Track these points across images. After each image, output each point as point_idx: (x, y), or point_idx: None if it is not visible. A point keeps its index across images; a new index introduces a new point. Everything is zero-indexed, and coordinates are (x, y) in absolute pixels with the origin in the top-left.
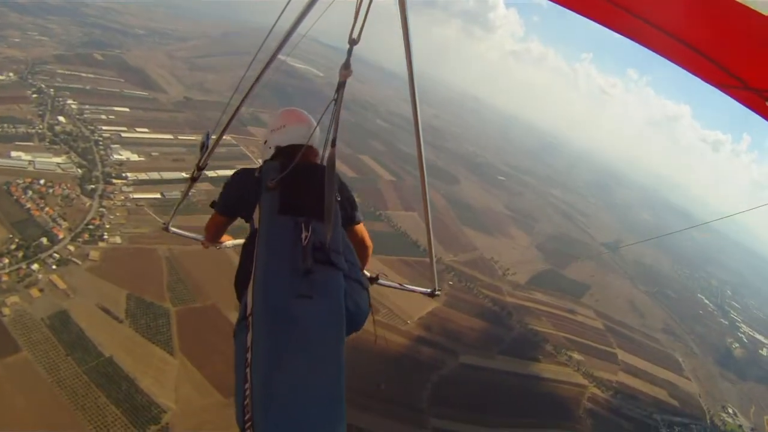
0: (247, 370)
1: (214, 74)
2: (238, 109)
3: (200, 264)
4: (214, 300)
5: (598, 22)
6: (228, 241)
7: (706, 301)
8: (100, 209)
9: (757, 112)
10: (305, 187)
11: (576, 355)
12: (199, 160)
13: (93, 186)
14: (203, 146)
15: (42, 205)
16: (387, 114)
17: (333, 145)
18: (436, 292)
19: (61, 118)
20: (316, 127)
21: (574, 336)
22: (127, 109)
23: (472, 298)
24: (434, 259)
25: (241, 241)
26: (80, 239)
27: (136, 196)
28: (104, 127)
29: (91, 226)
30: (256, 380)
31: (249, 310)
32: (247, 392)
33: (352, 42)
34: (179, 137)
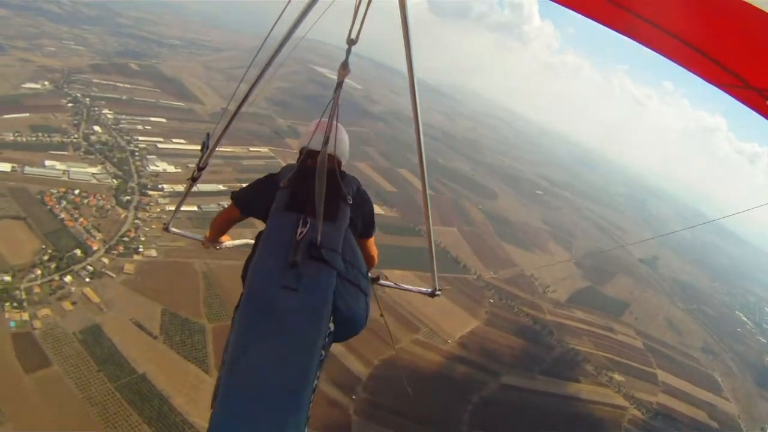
0: (224, 354)
1: (249, 85)
2: (238, 109)
3: (238, 279)
4: None
5: (599, 22)
6: (228, 242)
7: (744, 318)
8: (136, 221)
9: (758, 111)
10: (314, 188)
11: (616, 376)
12: (200, 161)
13: (128, 197)
14: (204, 147)
15: (76, 216)
16: (424, 126)
17: (326, 143)
18: (437, 292)
19: (96, 128)
20: (313, 132)
21: (614, 356)
22: (163, 120)
23: (512, 317)
24: (434, 260)
25: (240, 241)
26: (115, 251)
27: (172, 208)
28: (140, 138)
29: (126, 239)
30: (225, 362)
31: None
32: (221, 373)
33: (351, 42)
34: (217, 149)
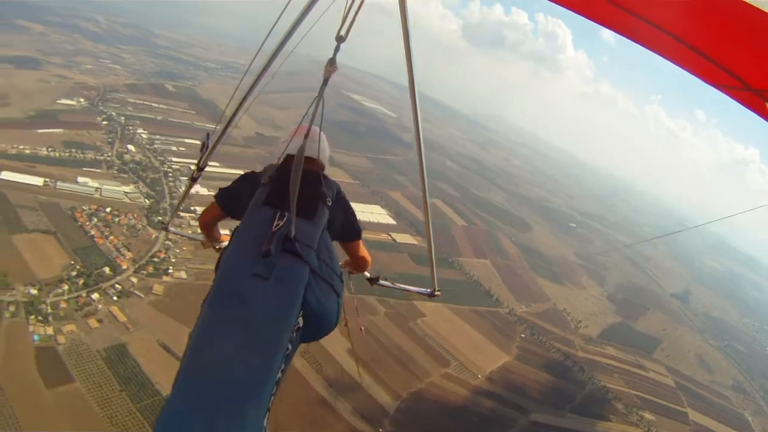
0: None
1: (284, 111)
2: (238, 109)
3: None
4: None
5: (599, 23)
6: (226, 242)
7: None
8: (166, 242)
9: (757, 113)
10: (297, 185)
11: (647, 415)
12: (199, 161)
13: (160, 218)
14: (203, 146)
15: (107, 234)
16: (456, 155)
17: (306, 137)
18: (436, 293)
19: (130, 147)
20: (292, 136)
21: (645, 394)
22: (197, 142)
23: (544, 352)
24: (434, 261)
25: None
26: (144, 271)
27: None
28: (174, 159)
29: (156, 259)
30: (187, 349)
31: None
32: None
33: (340, 39)
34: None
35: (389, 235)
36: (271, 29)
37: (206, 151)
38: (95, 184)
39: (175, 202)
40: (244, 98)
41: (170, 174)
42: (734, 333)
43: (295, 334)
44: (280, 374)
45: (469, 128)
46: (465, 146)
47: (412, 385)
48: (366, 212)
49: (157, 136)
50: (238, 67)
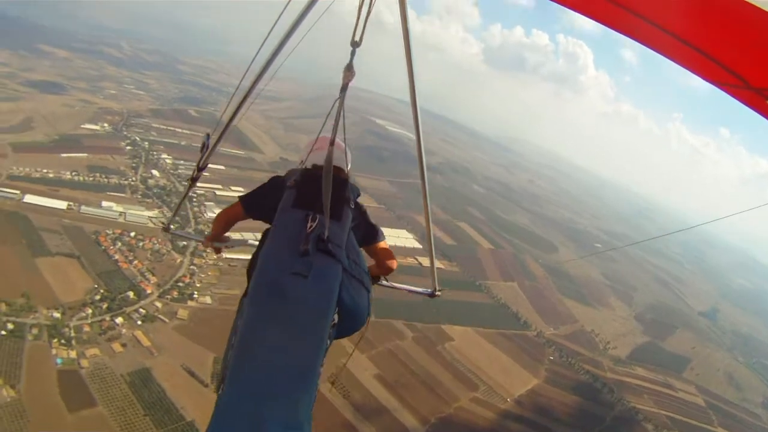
0: (233, 337)
1: (309, 136)
2: (238, 110)
3: None
4: None
5: (599, 22)
6: (227, 242)
7: None
8: (191, 267)
9: (758, 112)
10: (321, 188)
11: None
12: (199, 161)
13: (185, 242)
14: (203, 147)
15: (131, 258)
16: (482, 179)
17: (332, 144)
18: (437, 293)
19: (154, 172)
20: (312, 147)
21: (675, 414)
22: (222, 167)
23: (572, 374)
24: (434, 261)
25: (241, 240)
26: (168, 296)
27: (229, 255)
28: (198, 184)
29: (180, 284)
30: (236, 345)
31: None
32: (229, 356)
33: (355, 44)
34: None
35: (416, 258)
36: (271, 29)
37: (206, 151)
38: (119, 209)
39: (201, 227)
40: (245, 98)
41: (194, 198)
42: (764, 350)
43: (331, 330)
44: (320, 368)
45: (494, 151)
46: (490, 169)
47: (441, 410)
48: (392, 236)
49: (181, 161)
50: (261, 94)
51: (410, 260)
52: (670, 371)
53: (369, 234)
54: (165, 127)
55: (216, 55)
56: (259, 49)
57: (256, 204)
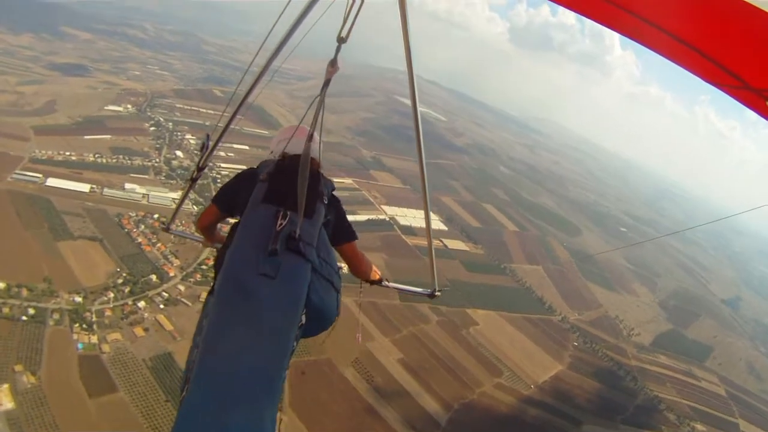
0: (197, 337)
1: (335, 115)
2: (237, 110)
3: None
4: (330, 355)
5: (598, 22)
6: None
7: None
8: (214, 249)
9: (757, 112)
10: (293, 183)
11: (698, 426)
12: (200, 161)
13: (163, 219)
14: (203, 147)
15: (154, 241)
16: (508, 160)
17: (309, 139)
18: (436, 293)
19: (178, 153)
20: (290, 137)
21: (697, 404)
22: (246, 147)
23: (596, 361)
24: (434, 260)
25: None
26: (191, 279)
27: None
28: (223, 165)
29: (204, 267)
30: (200, 345)
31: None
32: (193, 356)
33: (341, 40)
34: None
35: (441, 241)
36: (272, 28)
37: (206, 151)
38: (142, 191)
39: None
40: (245, 98)
41: (219, 180)
42: None
43: (298, 331)
44: (286, 371)
45: (519, 131)
46: (516, 150)
47: (464, 396)
48: (417, 218)
49: None
50: (285, 73)
51: (435, 242)
52: (692, 360)
53: (339, 232)
54: (189, 107)
55: (240, 34)
56: (260, 49)
57: (230, 201)
